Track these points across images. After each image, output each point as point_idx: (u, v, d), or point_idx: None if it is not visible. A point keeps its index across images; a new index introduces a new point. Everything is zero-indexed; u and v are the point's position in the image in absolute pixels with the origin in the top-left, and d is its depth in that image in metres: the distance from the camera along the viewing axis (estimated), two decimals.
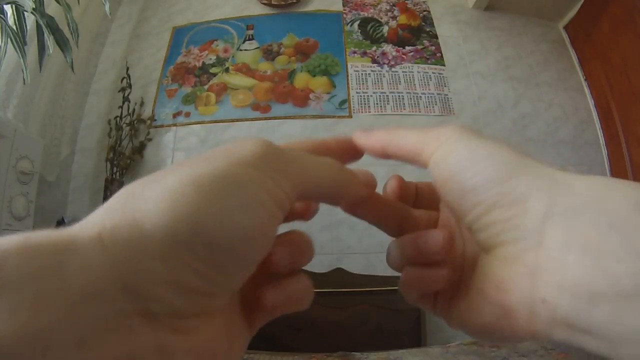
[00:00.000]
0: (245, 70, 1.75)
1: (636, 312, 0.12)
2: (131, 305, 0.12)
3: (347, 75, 1.73)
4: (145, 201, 0.12)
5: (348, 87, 1.72)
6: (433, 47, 1.77)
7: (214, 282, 0.13)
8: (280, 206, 0.15)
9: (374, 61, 1.75)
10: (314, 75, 1.73)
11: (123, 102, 1.69)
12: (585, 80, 1.79)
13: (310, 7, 1.81)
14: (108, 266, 0.11)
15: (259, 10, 1.78)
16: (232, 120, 1.71)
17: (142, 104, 1.74)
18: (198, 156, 0.15)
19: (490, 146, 0.18)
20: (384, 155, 0.22)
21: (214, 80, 1.74)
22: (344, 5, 1.82)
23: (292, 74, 1.74)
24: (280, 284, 0.17)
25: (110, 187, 1.66)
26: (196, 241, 0.12)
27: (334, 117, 1.71)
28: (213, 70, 1.75)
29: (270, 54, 1.76)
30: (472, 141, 0.19)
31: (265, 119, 1.71)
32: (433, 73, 1.75)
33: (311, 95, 1.71)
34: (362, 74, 1.74)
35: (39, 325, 0.10)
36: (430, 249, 0.20)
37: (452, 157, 0.19)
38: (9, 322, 0.09)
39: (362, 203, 0.22)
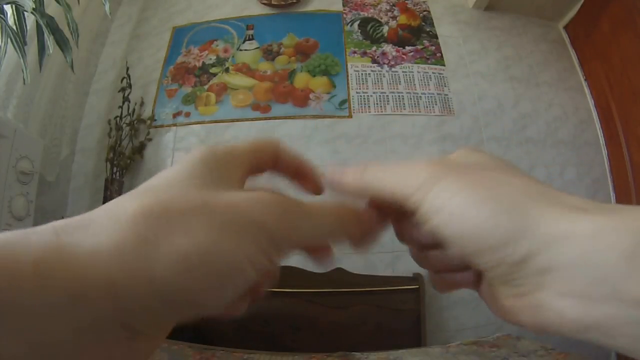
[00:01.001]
0: (245, 70, 1.75)
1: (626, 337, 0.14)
2: (124, 335, 0.14)
3: (347, 75, 1.73)
4: (159, 261, 0.14)
5: (348, 87, 1.72)
6: (433, 47, 1.77)
7: (181, 319, 0.16)
8: (259, 270, 0.16)
9: (374, 61, 1.75)
10: (314, 75, 1.73)
11: (123, 102, 1.69)
12: (585, 80, 1.79)
13: (310, 7, 1.81)
14: (112, 310, 0.14)
15: (259, 10, 1.78)
16: (232, 120, 1.71)
17: (142, 104, 1.74)
18: (209, 208, 0.16)
19: (483, 198, 0.17)
20: (361, 197, 0.22)
21: (214, 80, 1.74)
22: (344, 5, 1.82)
23: (292, 74, 1.74)
24: None
25: (110, 187, 1.66)
26: (184, 304, 0.15)
27: (334, 117, 1.71)
28: (213, 70, 1.75)
29: (270, 54, 1.76)
30: (463, 191, 0.17)
31: (265, 119, 1.71)
32: (433, 73, 1.75)
33: (311, 95, 1.71)
34: (362, 74, 1.74)
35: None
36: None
37: (448, 216, 0.17)
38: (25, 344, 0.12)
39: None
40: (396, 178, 0.20)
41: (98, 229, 0.15)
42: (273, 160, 0.22)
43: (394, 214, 0.22)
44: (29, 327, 0.12)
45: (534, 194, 0.17)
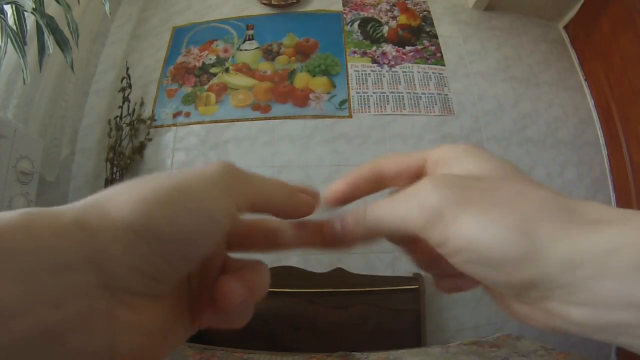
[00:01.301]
0: (245, 70, 1.75)
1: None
2: (94, 278, 0.15)
3: (347, 75, 1.73)
4: (116, 200, 0.16)
5: (348, 87, 1.72)
6: (433, 47, 1.77)
7: (160, 269, 0.16)
8: (227, 215, 0.18)
9: (374, 61, 1.75)
10: (314, 75, 1.73)
11: (123, 102, 1.69)
12: (585, 80, 1.79)
13: (310, 7, 1.81)
14: (80, 244, 0.14)
15: (259, 10, 1.78)
16: (232, 120, 1.71)
17: (142, 104, 1.74)
18: (171, 173, 0.18)
19: (493, 226, 0.17)
20: (373, 241, 0.21)
21: (214, 80, 1.74)
22: (344, 5, 1.82)
23: (292, 74, 1.74)
24: (240, 275, 0.20)
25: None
26: (148, 234, 0.15)
27: (334, 117, 1.71)
28: (213, 70, 1.75)
29: (270, 54, 1.76)
30: (483, 224, 0.17)
31: (265, 119, 1.71)
32: (433, 73, 1.75)
33: (311, 95, 1.71)
34: (362, 74, 1.74)
35: (29, 289, 0.13)
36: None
37: (457, 245, 0.17)
38: (10, 287, 0.12)
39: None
40: (403, 210, 0.19)
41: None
42: (283, 210, 0.22)
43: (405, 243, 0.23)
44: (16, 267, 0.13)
45: (545, 213, 0.16)
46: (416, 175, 0.22)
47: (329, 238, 0.21)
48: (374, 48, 1.77)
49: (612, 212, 0.16)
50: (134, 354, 0.16)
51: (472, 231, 0.17)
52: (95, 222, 0.15)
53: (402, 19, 1.80)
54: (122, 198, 0.16)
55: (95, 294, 0.15)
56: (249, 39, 1.78)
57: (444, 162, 0.21)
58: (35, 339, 0.13)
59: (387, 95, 1.72)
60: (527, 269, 0.16)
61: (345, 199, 0.23)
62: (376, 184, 0.23)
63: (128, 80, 1.70)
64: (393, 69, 1.74)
